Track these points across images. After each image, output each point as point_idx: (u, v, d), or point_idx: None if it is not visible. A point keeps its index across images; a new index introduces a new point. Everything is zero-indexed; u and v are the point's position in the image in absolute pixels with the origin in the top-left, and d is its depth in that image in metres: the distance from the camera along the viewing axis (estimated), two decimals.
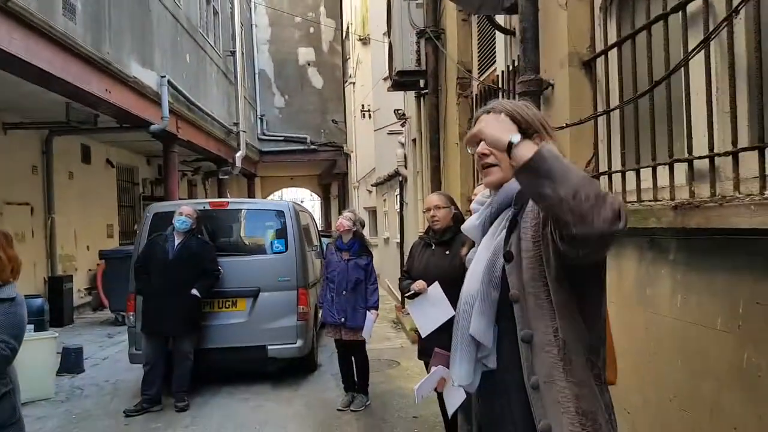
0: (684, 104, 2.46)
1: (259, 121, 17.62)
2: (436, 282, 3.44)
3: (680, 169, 2.55)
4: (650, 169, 2.68)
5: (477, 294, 1.51)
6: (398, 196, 9.90)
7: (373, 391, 5.17)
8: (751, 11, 2.06)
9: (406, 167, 9.00)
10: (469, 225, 1.66)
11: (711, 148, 2.28)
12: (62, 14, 6.07)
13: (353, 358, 5.04)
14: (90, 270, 10.90)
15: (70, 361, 6.30)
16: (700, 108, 2.39)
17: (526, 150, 1.28)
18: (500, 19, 4.80)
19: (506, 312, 1.46)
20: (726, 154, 2.21)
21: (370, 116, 13.05)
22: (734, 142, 2.16)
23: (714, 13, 2.35)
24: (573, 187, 1.19)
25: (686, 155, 2.45)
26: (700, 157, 2.37)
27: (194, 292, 5.17)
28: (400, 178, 9.22)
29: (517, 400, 1.44)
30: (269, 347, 5.57)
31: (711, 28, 2.32)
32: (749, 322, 2.00)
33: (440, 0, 6.33)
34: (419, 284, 3.49)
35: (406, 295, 3.60)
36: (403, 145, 9.45)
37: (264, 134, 17.76)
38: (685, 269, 2.38)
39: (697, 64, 2.37)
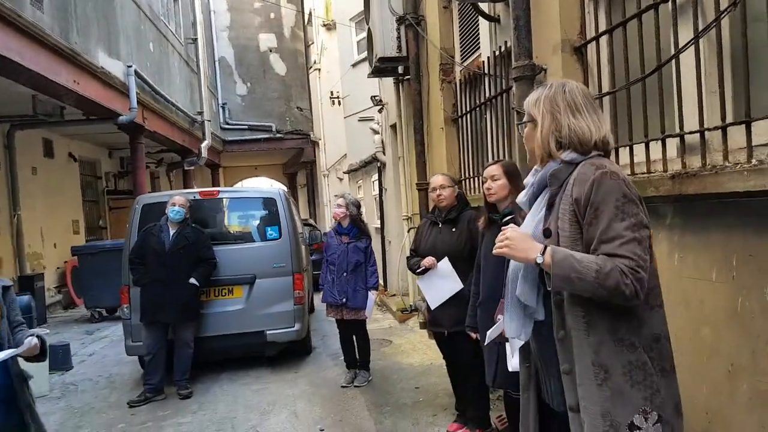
0: (675, 85, 2.75)
1: (221, 109, 17.42)
2: (446, 257, 3.69)
3: (671, 144, 2.85)
4: (643, 144, 2.99)
5: (518, 268, 1.77)
6: (376, 183, 10.09)
7: (372, 368, 5.40)
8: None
9: (384, 153, 9.19)
10: (519, 199, 1.91)
11: (701, 123, 2.59)
12: (30, 4, 5.98)
13: (354, 337, 5.26)
14: (58, 268, 10.69)
15: (58, 359, 6.26)
16: (690, 89, 2.69)
17: (547, 266, 1.63)
18: (484, 6, 5.04)
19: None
20: (716, 128, 2.51)
21: (339, 103, 13.15)
22: (723, 118, 2.47)
23: (702, 2, 2.64)
24: (589, 294, 1.59)
25: (677, 131, 2.75)
26: (691, 132, 2.66)
27: (192, 280, 5.27)
28: (378, 164, 9.41)
29: (554, 346, 1.73)
30: (268, 332, 5.71)
31: (700, 19, 2.62)
32: (743, 272, 2.31)
33: None
34: (429, 260, 3.74)
35: (417, 271, 3.83)
36: (377, 131, 9.61)
37: (227, 123, 17.57)
38: (681, 231, 2.68)
39: (685, 50, 2.66)
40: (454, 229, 3.75)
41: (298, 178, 23.13)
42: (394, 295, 9.01)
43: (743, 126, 2.37)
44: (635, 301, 1.57)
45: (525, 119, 1.85)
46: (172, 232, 5.30)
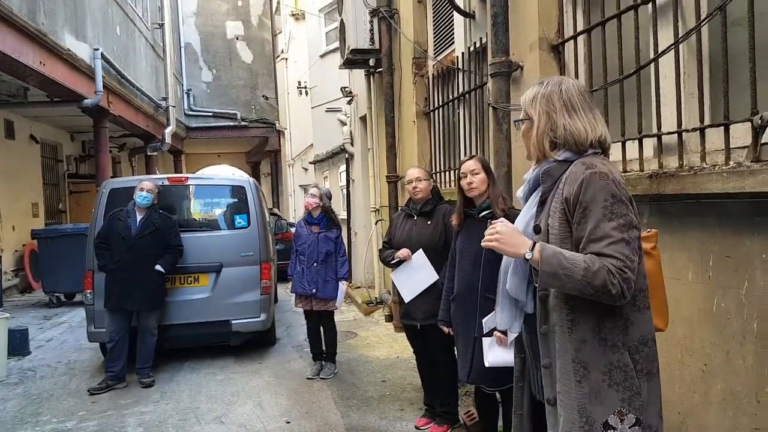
0: (654, 87, 2.79)
1: (186, 95, 17.04)
2: (421, 249, 3.68)
3: (647, 144, 2.90)
4: (620, 144, 3.03)
5: (509, 262, 1.78)
6: (343, 174, 10.02)
7: (338, 360, 5.36)
8: (717, 4, 2.39)
9: (352, 144, 9.13)
10: (518, 194, 1.91)
11: (679, 124, 2.63)
12: None
13: (322, 328, 5.21)
14: (16, 251, 10.31)
15: (16, 344, 6.05)
16: (669, 90, 2.73)
17: (535, 262, 1.62)
18: (459, 2, 5.03)
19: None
20: (694, 129, 2.55)
21: (306, 93, 12.99)
22: (701, 120, 2.51)
23: (682, 5, 2.68)
24: (577, 291, 1.58)
25: (655, 131, 2.79)
26: (669, 133, 2.71)
27: (158, 267, 5.15)
28: (346, 155, 9.34)
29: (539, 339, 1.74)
30: (233, 322, 5.62)
31: (680, 21, 2.66)
32: (719, 272, 2.36)
33: None
34: (404, 252, 3.71)
35: (391, 263, 3.80)
36: (344, 123, 9.54)
37: (191, 109, 17.19)
38: (658, 230, 2.73)
39: (666, 53, 2.69)
40: (429, 222, 3.74)
41: (261, 167, 22.82)
42: (359, 287, 8.98)
43: (720, 128, 2.42)
44: (621, 301, 1.58)
45: (521, 117, 1.83)
46: (139, 217, 5.15)
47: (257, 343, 6.18)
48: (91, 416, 4.42)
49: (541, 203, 1.74)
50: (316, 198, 5.12)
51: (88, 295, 5.43)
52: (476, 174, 3.10)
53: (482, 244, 1.75)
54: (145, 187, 5.17)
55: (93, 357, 6.02)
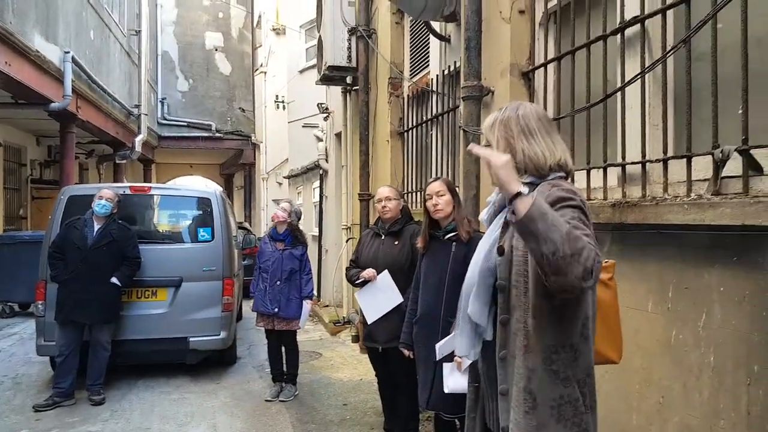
0: (619, 116, 2.81)
1: (160, 104, 16.80)
2: (386, 270, 3.62)
3: (612, 172, 2.91)
4: (585, 171, 3.04)
5: (476, 280, 1.73)
6: (317, 190, 9.94)
7: (300, 382, 5.23)
8: (682, 35, 2.42)
9: (327, 161, 9.08)
10: (481, 217, 1.87)
11: (643, 154, 2.65)
12: None
13: (284, 348, 5.09)
14: None
15: None
16: (634, 120, 2.75)
17: (522, 206, 1.42)
18: (436, 25, 5.07)
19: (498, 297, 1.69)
20: (657, 160, 2.57)
21: (284, 107, 12.94)
22: (665, 151, 2.53)
23: (649, 38, 2.72)
24: (553, 246, 1.39)
25: (619, 161, 2.81)
26: (633, 163, 2.72)
27: (114, 280, 4.97)
28: (321, 172, 9.28)
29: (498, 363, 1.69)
30: (191, 339, 5.44)
31: (647, 53, 2.69)
32: (678, 304, 2.36)
33: (372, 1, 6.50)
34: (369, 272, 3.65)
35: (356, 282, 3.73)
36: (320, 138, 9.51)
37: (165, 118, 16.95)
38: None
39: (632, 84, 2.72)
40: (396, 242, 3.69)
41: (235, 180, 22.59)
42: (327, 305, 8.87)
43: (683, 160, 2.44)
44: (586, 282, 1.42)
45: (483, 143, 1.81)
46: (96, 227, 4.99)
47: (216, 361, 5.99)
48: None
49: (506, 225, 1.71)
50: (285, 213, 5.03)
51: (40, 306, 5.22)
52: (441, 195, 3.07)
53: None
54: (104, 195, 5.01)
55: (42, 371, 5.77)
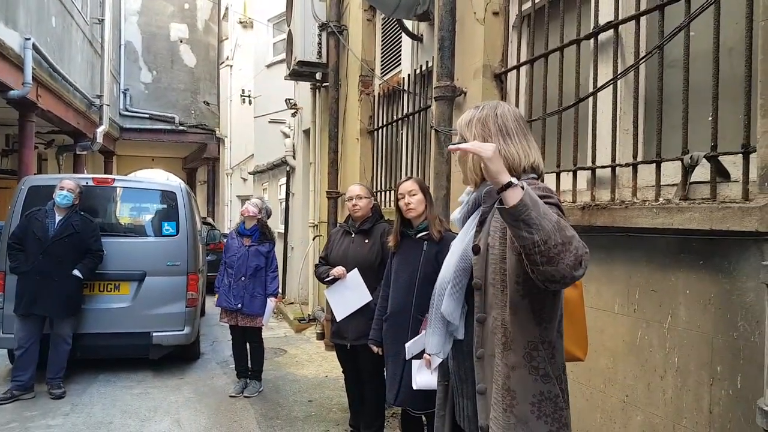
0: (591, 121, 2.85)
1: (122, 95, 16.38)
2: (356, 269, 3.61)
3: (581, 176, 2.96)
4: (554, 174, 3.08)
5: (450, 279, 1.73)
6: (283, 186, 9.84)
7: (264, 378, 5.18)
8: (655, 41, 2.47)
9: (294, 157, 8.99)
10: (453, 217, 1.87)
11: (613, 158, 2.70)
12: None
13: (248, 344, 5.03)
14: None
15: None
16: (605, 125, 2.81)
17: (515, 195, 1.39)
18: (409, 24, 5.07)
19: (472, 296, 1.69)
20: (627, 165, 2.63)
21: (250, 102, 12.76)
22: (635, 156, 2.59)
23: (622, 44, 2.77)
24: (546, 234, 1.36)
25: (589, 164, 2.86)
26: (603, 167, 2.77)
27: (76, 272, 4.85)
28: (288, 168, 9.18)
29: (471, 366, 1.69)
30: (154, 334, 5.34)
31: (619, 59, 2.74)
32: (644, 306, 2.42)
33: None
34: (339, 270, 3.63)
35: (325, 280, 3.71)
36: (287, 135, 9.41)
37: (127, 110, 16.53)
38: None
39: (604, 88, 2.77)
40: (366, 240, 3.68)
41: (198, 175, 22.18)
42: (292, 303, 8.79)
43: (652, 165, 2.50)
44: (576, 272, 1.41)
45: (457, 140, 1.80)
46: (58, 218, 4.86)
47: (179, 357, 5.90)
48: None
49: (480, 224, 1.72)
50: (256, 209, 4.97)
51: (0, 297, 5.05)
52: (414, 195, 3.08)
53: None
54: (65, 186, 4.87)
55: (0, 364, 5.59)
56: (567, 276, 1.41)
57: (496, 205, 1.53)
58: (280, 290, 5.53)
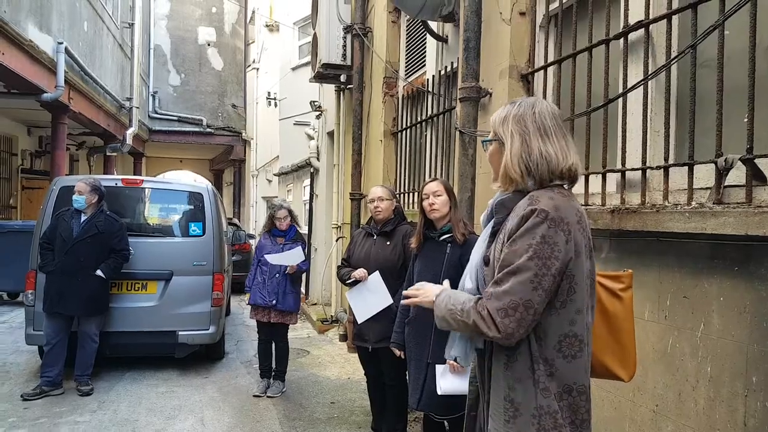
0: (621, 122, 2.79)
1: (151, 98, 16.68)
2: (377, 271, 3.59)
3: (610, 178, 2.89)
4: (582, 177, 3.01)
5: (473, 287, 1.69)
6: (307, 188, 9.88)
7: (287, 379, 5.19)
8: (687, 40, 2.40)
9: (318, 159, 9.02)
10: (481, 219, 1.82)
11: (644, 161, 2.63)
12: None
13: (274, 343, 5.05)
14: None
15: None
16: (635, 126, 2.73)
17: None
18: (433, 25, 5.04)
19: None
20: (658, 167, 2.55)
21: (275, 105, 12.85)
22: (666, 158, 2.51)
23: (653, 43, 2.70)
24: (462, 327, 1.60)
25: (619, 167, 2.79)
26: (633, 169, 2.70)
27: (99, 272, 4.90)
28: (312, 170, 9.21)
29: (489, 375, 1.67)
30: (180, 333, 5.40)
31: (650, 58, 2.67)
32: (675, 313, 2.34)
33: None
34: (360, 272, 3.61)
35: (347, 282, 3.69)
36: (312, 137, 9.45)
37: (156, 112, 16.83)
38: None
39: (634, 89, 2.70)
40: (388, 243, 3.66)
41: (224, 176, 22.46)
42: (315, 303, 8.81)
43: (683, 168, 2.42)
44: (510, 341, 1.52)
45: (489, 137, 1.76)
46: (82, 218, 4.92)
47: (204, 356, 5.96)
48: (22, 423, 4.17)
49: (493, 234, 1.67)
50: (288, 219, 5.03)
51: (29, 295, 5.18)
52: (438, 196, 3.04)
53: (403, 302, 1.94)
54: (77, 189, 4.90)
55: (30, 360, 5.73)
56: (484, 335, 1.56)
57: (494, 226, 1.67)
58: (303, 291, 5.55)
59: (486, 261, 1.64)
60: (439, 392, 2.70)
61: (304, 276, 6.74)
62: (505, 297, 1.50)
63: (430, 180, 3.18)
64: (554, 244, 1.50)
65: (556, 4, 3.36)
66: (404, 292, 1.90)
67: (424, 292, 1.80)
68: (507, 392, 1.56)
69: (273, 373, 5.08)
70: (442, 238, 3.05)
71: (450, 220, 3.05)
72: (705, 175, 2.38)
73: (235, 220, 13.74)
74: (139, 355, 5.69)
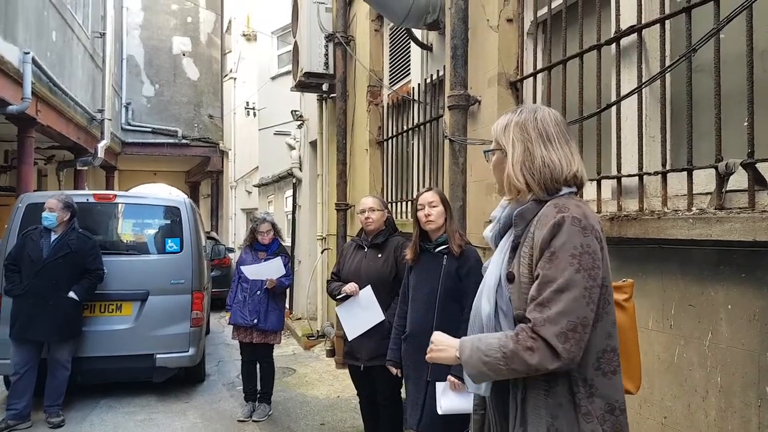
0: (615, 128, 2.74)
1: (124, 109, 16.30)
2: (369, 285, 3.48)
3: (605, 185, 2.84)
4: None
5: (491, 309, 1.57)
6: (289, 199, 9.73)
7: (274, 400, 5.01)
8: (681, 49, 2.36)
9: (301, 169, 8.89)
10: (486, 234, 1.72)
11: (640, 167, 2.58)
12: None
13: (258, 364, 4.87)
14: None
15: None
16: (630, 132, 2.69)
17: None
18: (418, 33, 4.98)
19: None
20: (656, 173, 2.50)
21: (254, 114, 12.69)
22: (663, 164, 2.47)
23: (646, 48, 2.66)
24: (511, 373, 1.44)
25: (614, 173, 2.74)
26: (630, 175, 2.65)
27: (72, 294, 4.67)
28: (294, 180, 9.07)
29: (514, 403, 1.55)
30: (158, 356, 5.16)
31: (644, 63, 2.63)
32: (681, 321, 2.28)
33: (350, 7, 6.39)
34: (351, 287, 3.50)
35: (337, 297, 3.58)
36: (293, 147, 9.31)
37: (129, 124, 16.45)
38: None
39: (629, 97, 2.66)
40: (380, 255, 3.55)
41: (201, 188, 22.09)
42: (299, 318, 8.65)
43: (680, 173, 2.38)
44: (571, 367, 1.42)
45: (492, 147, 1.68)
46: (53, 237, 4.68)
47: (184, 379, 5.73)
48: None
49: (513, 249, 1.57)
50: (271, 233, 4.87)
51: None
52: (434, 206, 2.94)
53: (427, 358, 1.67)
54: (47, 206, 4.67)
55: None
56: (540, 370, 1.41)
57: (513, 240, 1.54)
58: (287, 306, 5.38)
59: (510, 278, 1.53)
60: (439, 411, 2.60)
61: (287, 290, 6.57)
62: (562, 319, 1.38)
63: (425, 190, 3.08)
64: (594, 253, 1.44)
65: (544, 10, 3.32)
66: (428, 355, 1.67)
67: (439, 347, 1.60)
68: (551, 422, 1.44)
69: (258, 396, 4.90)
70: (437, 249, 2.95)
71: (446, 231, 2.96)
72: (703, 180, 2.34)
73: (214, 234, 13.49)
74: (114, 381, 5.44)
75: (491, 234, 1.68)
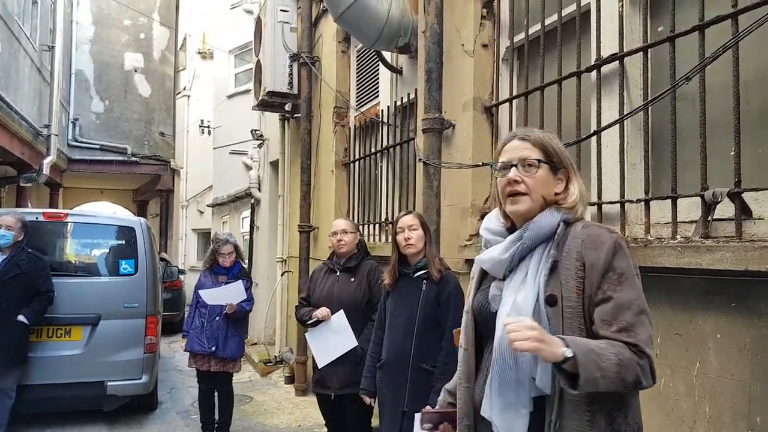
0: (595, 156, 2.75)
1: (71, 125, 15.71)
2: (341, 310, 3.36)
3: (586, 212, 2.84)
4: None
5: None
6: (246, 220, 9.49)
7: (231, 430, 4.76)
8: (664, 78, 2.39)
9: (260, 189, 8.69)
10: (489, 257, 1.58)
11: (622, 194, 2.59)
12: None
13: (216, 393, 4.64)
14: None
15: None
16: (611, 159, 2.70)
17: (572, 367, 1.31)
18: (387, 56, 4.96)
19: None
20: (638, 201, 2.51)
21: (209, 133, 12.41)
22: (647, 191, 2.48)
23: (627, 76, 2.69)
24: (613, 386, 1.35)
25: (595, 200, 2.74)
26: (612, 202, 2.66)
27: (21, 318, 4.37)
28: (252, 201, 8.86)
29: None
30: (109, 383, 4.87)
31: (625, 92, 2.66)
32: (667, 350, 2.26)
33: (315, 28, 6.33)
34: (323, 311, 3.37)
35: (308, 322, 3.44)
36: (250, 167, 9.12)
37: (76, 140, 15.81)
38: None
39: (609, 120, 2.67)
40: (353, 279, 3.45)
41: (149, 207, 21.40)
42: (256, 343, 8.37)
43: (662, 201, 2.40)
44: (650, 384, 1.42)
45: (540, 158, 1.56)
46: (1, 258, 4.40)
47: (135, 407, 5.42)
48: None
49: (551, 270, 1.47)
50: (233, 255, 4.67)
51: None
52: (414, 230, 2.87)
53: (516, 345, 1.31)
54: (3, 222, 4.42)
55: None
56: (636, 387, 1.41)
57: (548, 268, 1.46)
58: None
59: (552, 301, 1.44)
60: None
61: None
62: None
63: (404, 213, 3.00)
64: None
65: (521, 36, 3.33)
66: (509, 332, 1.32)
67: (542, 337, 1.31)
68: None
69: (215, 426, 4.66)
70: (417, 274, 2.87)
71: (425, 256, 2.88)
72: (685, 208, 2.35)
73: (165, 255, 13.03)
74: (62, 411, 5.10)
75: (507, 255, 1.54)
